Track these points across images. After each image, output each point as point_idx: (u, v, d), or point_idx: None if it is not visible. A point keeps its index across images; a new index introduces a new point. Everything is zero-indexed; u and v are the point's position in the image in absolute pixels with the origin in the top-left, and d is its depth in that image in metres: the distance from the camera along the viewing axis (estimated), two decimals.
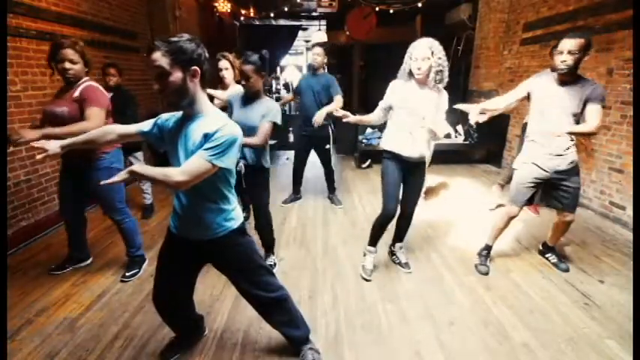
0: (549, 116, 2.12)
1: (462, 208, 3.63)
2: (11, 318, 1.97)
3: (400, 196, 2.33)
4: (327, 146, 3.55)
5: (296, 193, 3.82)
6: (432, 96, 2.07)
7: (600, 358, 1.73)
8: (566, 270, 2.45)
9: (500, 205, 3.63)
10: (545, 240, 2.60)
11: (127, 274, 2.36)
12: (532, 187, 2.27)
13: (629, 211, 3.10)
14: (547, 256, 2.58)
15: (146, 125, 1.39)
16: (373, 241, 2.44)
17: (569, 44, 1.97)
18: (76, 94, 2.01)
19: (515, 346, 1.79)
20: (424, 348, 1.78)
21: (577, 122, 2.09)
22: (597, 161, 3.45)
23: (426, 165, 3.62)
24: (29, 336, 1.85)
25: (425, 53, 1.96)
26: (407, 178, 2.31)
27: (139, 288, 2.26)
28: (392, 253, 2.59)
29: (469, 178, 4.64)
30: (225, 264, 1.49)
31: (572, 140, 2.16)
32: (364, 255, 2.49)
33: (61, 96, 2.08)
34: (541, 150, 2.20)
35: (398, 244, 2.55)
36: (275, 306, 1.57)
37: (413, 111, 2.08)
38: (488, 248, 2.51)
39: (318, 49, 3.29)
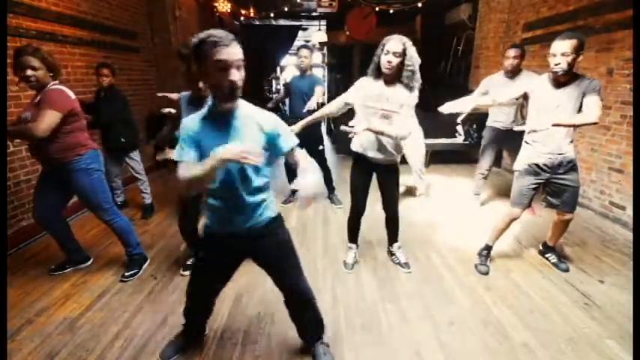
0: (547, 117, 2.10)
1: (462, 208, 3.62)
2: (11, 318, 1.97)
3: (381, 197, 2.37)
4: (320, 147, 3.56)
5: (295, 194, 3.82)
6: (400, 95, 2.00)
7: (600, 358, 1.73)
8: (566, 270, 2.45)
9: (477, 194, 3.67)
10: (545, 240, 2.60)
11: (127, 274, 2.36)
12: (533, 188, 2.27)
13: (629, 211, 3.10)
14: (547, 256, 2.58)
15: (191, 152, 1.24)
16: (351, 237, 2.54)
17: (561, 47, 1.93)
18: (38, 98, 2.03)
19: (515, 346, 1.79)
20: (424, 348, 1.78)
21: None
22: (597, 161, 3.45)
23: (422, 165, 3.66)
24: (29, 336, 1.85)
25: (397, 47, 1.90)
26: (379, 179, 2.32)
27: (139, 288, 2.26)
28: (391, 254, 2.59)
29: (469, 178, 4.62)
30: (266, 254, 1.48)
31: (570, 141, 2.16)
32: (346, 251, 2.59)
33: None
34: (540, 150, 2.19)
35: (395, 245, 2.55)
36: (306, 302, 1.58)
37: (378, 111, 2.02)
38: (488, 248, 2.51)
39: (305, 52, 3.31)
